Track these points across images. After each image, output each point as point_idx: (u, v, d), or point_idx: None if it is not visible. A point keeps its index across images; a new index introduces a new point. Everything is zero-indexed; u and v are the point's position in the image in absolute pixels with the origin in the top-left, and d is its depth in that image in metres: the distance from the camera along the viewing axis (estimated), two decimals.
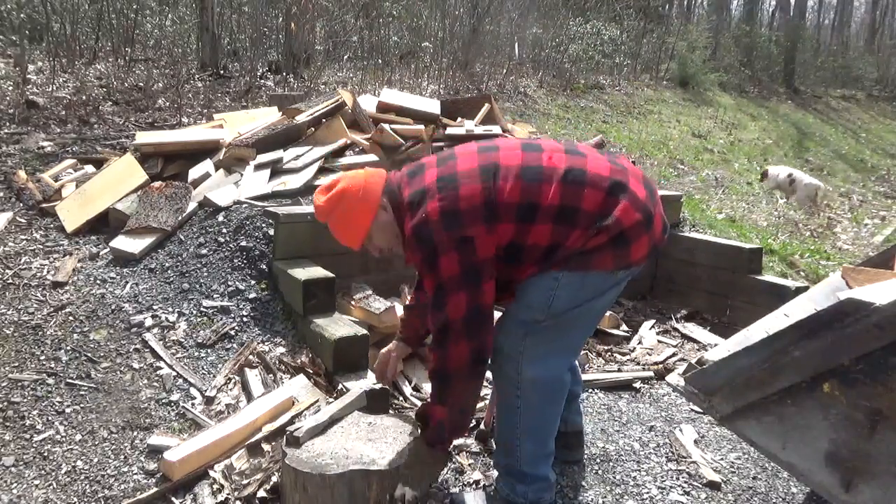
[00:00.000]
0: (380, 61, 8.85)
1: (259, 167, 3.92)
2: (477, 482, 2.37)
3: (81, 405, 2.59)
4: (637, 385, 3.25)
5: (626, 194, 1.92)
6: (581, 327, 2.12)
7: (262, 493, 2.15)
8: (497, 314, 2.07)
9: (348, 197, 2.03)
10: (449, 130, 4.45)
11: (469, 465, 2.47)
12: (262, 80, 7.59)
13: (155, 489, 2.21)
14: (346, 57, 9.08)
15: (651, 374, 3.35)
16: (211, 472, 2.25)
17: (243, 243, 3.34)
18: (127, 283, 3.27)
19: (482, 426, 2.62)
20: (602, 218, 1.89)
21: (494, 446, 2.32)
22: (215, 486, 2.20)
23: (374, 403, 2.50)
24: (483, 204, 1.89)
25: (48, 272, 3.34)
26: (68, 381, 2.69)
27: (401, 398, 2.88)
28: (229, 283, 3.20)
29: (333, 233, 2.10)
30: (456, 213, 1.89)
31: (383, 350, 2.51)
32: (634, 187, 1.95)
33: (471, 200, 1.89)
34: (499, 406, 2.17)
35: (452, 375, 1.99)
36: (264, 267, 3.27)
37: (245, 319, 3.05)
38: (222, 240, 3.39)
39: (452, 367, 1.97)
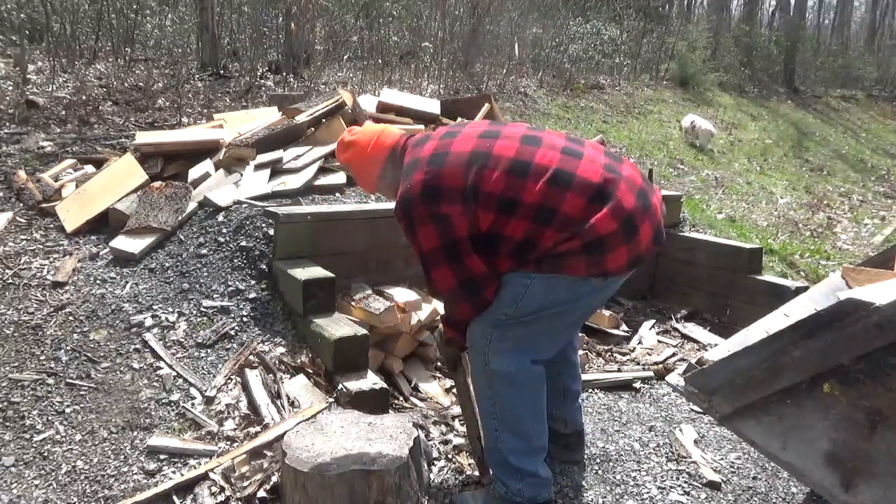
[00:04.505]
0: (380, 61, 8.85)
1: (259, 167, 3.92)
2: (477, 482, 2.37)
3: (81, 405, 2.59)
4: (637, 385, 3.25)
5: (610, 202, 1.90)
6: (553, 329, 2.13)
7: (262, 494, 2.14)
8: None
9: (356, 149, 2.24)
10: None
11: (469, 464, 2.47)
12: (262, 80, 7.58)
13: (155, 489, 2.21)
14: (346, 57, 9.08)
15: (651, 374, 3.35)
16: (211, 475, 2.24)
17: (243, 243, 3.34)
18: (127, 283, 3.27)
19: None
20: (578, 223, 1.89)
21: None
22: (215, 488, 2.20)
23: (374, 403, 2.50)
24: (464, 186, 1.94)
25: (48, 272, 3.34)
26: (68, 381, 2.68)
27: (401, 398, 2.89)
28: (229, 283, 3.20)
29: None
30: (437, 189, 1.96)
31: None
32: (623, 196, 1.92)
33: (453, 180, 1.96)
34: (477, 398, 2.23)
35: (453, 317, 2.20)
36: (264, 267, 3.27)
37: (245, 319, 3.05)
38: (222, 240, 3.39)
39: (457, 317, 2.17)
